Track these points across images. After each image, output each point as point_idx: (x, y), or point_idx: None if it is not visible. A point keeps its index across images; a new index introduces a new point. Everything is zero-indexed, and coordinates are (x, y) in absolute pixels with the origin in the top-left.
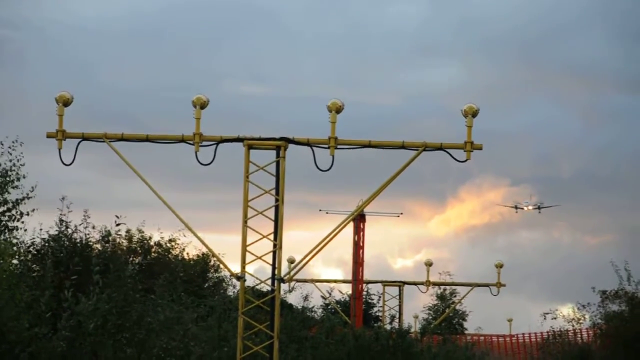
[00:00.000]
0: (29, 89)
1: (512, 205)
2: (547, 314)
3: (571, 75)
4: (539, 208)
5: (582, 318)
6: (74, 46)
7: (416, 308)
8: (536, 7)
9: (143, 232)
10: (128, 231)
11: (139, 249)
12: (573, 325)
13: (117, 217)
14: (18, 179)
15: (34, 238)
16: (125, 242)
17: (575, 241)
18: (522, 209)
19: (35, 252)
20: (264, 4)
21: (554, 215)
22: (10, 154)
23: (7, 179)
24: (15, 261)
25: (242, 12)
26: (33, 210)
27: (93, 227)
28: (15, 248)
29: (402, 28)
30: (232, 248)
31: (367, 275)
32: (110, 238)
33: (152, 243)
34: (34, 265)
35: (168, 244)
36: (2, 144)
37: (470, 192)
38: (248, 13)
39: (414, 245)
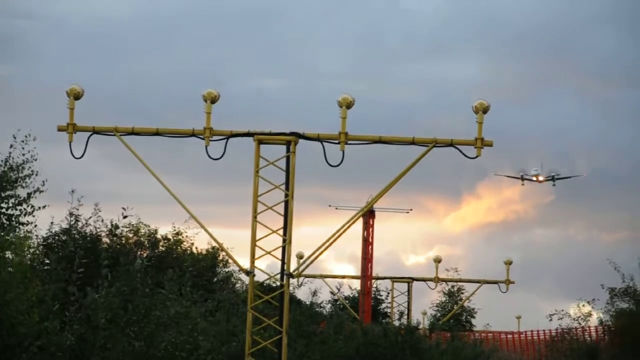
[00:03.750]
0: (44, 81)
1: (517, 176)
2: (553, 314)
3: (592, 72)
4: (553, 179)
5: (589, 314)
6: (90, 38)
7: (426, 305)
8: (559, 3)
9: (149, 225)
10: (134, 224)
11: (146, 242)
12: (580, 323)
13: (124, 209)
14: (31, 174)
15: (47, 232)
16: (132, 236)
17: (591, 239)
18: (531, 179)
19: (45, 245)
20: None
21: (571, 210)
22: (23, 148)
23: (19, 174)
24: (28, 255)
25: (257, 6)
26: (44, 207)
27: (102, 221)
28: (28, 242)
29: (421, 23)
30: (241, 243)
31: (380, 271)
32: (117, 231)
33: (159, 237)
34: (45, 259)
35: (176, 237)
36: (15, 138)
37: (488, 188)
38: (264, 6)
39: (427, 241)
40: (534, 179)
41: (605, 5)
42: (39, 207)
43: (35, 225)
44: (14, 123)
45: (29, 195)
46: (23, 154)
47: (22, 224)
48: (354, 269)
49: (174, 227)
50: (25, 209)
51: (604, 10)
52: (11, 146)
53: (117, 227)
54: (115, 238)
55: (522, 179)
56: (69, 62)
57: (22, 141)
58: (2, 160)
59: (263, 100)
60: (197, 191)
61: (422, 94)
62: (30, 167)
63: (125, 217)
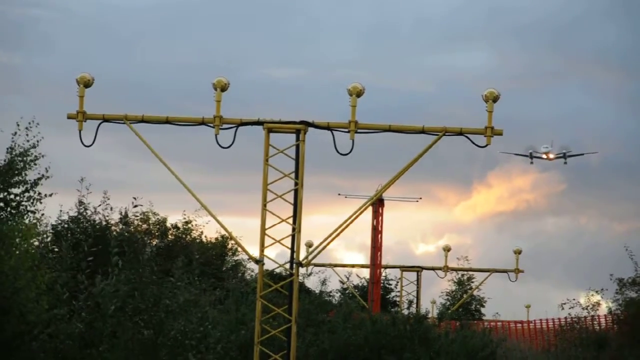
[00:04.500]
0: (54, 69)
1: (526, 154)
2: (565, 303)
3: (601, 63)
4: (564, 157)
5: (597, 304)
6: (101, 26)
7: (435, 294)
8: None
9: (158, 214)
10: (144, 213)
11: (155, 231)
12: (589, 312)
13: (135, 198)
14: (36, 159)
15: (57, 220)
16: (142, 225)
17: (602, 228)
18: (540, 157)
19: (54, 233)
20: None
21: (582, 200)
22: (27, 135)
23: (26, 159)
24: (35, 242)
25: None
26: (51, 195)
27: (111, 209)
28: (36, 229)
29: (432, 13)
30: (251, 231)
31: (389, 260)
32: (127, 220)
33: (169, 225)
34: (54, 247)
35: (185, 226)
36: (19, 125)
37: (499, 178)
38: None
39: (437, 230)
40: (544, 156)
41: None
42: (46, 195)
43: (43, 214)
44: (24, 111)
45: (35, 181)
46: (27, 140)
47: (31, 211)
48: (364, 258)
49: (184, 215)
50: (32, 196)
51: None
52: (15, 133)
53: (126, 216)
54: (124, 227)
55: (531, 156)
56: (80, 51)
57: (27, 128)
58: (8, 148)
59: (274, 89)
60: (207, 179)
61: (434, 83)
62: (34, 153)
63: (135, 206)
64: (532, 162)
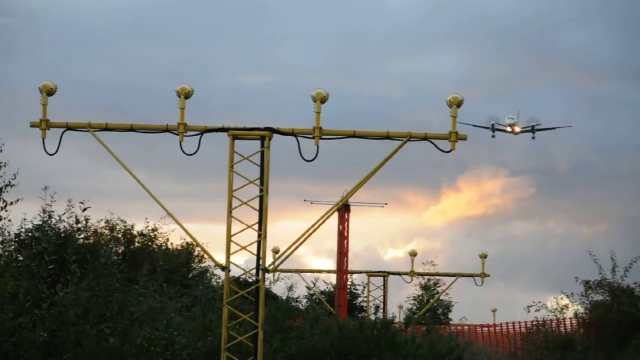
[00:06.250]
0: (19, 78)
1: (487, 126)
2: (531, 306)
3: (575, 67)
4: (532, 130)
5: (566, 307)
6: (66, 36)
7: (402, 299)
8: None
9: (125, 221)
10: (109, 220)
11: (121, 238)
12: (556, 315)
13: (82, 202)
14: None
15: (20, 228)
16: (107, 232)
17: (570, 232)
18: (504, 130)
19: (18, 242)
20: None
21: (551, 204)
22: None
23: None
24: None
25: (238, 2)
26: (17, 201)
27: (75, 218)
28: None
29: (404, 18)
30: (218, 238)
31: (358, 265)
32: (87, 226)
33: (134, 232)
34: (18, 256)
35: (151, 234)
36: None
37: (468, 182)
38: (244, 2)
39: (406, 235)
40: (508, 129)
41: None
42: (11, 202)
43: (10, 220)
44: None
45: (0, 189)
46: None
47: None
48: (332, 264)
49: (147, 222)
50: None
51: (589, 5)
52: None
53: (78, 221)
54: (80, 232)
55: (493, 129)
56: (45, 59)
57: None
58: None
59: (241, 95)
60: (172, 186)
61: (403, 89)
62: None
63: (84, 210)
64: (493, 136)
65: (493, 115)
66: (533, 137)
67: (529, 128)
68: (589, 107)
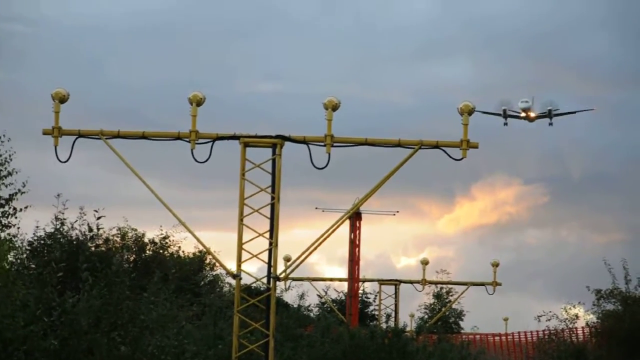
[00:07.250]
0: (30, 86)
1: (499, 112)
2: (541, 316)
3: (576, 72)
4: (549, 115)
5: (576, 317)
6: (81, 43)
7: (414, 307)
8: (542, 5)
9: (136, 229)
10: (121, 228)
11: (133, 246)
12: (567, 325)
13: (96, 211)
14: (10, 174)
15: (33, 236)
16: (119, 240)
17: (583, 240)
18: (517, 116)
19: (30, 250)
20: (275, 1)
21: (564, 212)
22: None
23: None
24: (11, 258)
25: (253, 9)
26: (26, 207)
27: (88, 225)
28: (10, 244)
29: (410, 25)
30: (230, 246)
31: (371, 274)
32: (99, 234)
33: (146, 240)
34: (30, 263)
35: (163, 242)
36: None
37: (482, 190)
38: (259, 10)
39: (419, 243)
40: (522, 114)
41: (591, 6)
42: (21, 209)
43: (19, 228)
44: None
45: (10, 196)
46: (0, 155)
47: (5, 226)
48: (344, 272)
49: (162, 230)
50: (7, 210)
51: (590, 11)
52: None
53: (91, 229)
54: (93, 239)
55: (505, 115)
56: (55, 66)
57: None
58: None
59: (253, 103)
60: (184, 194)
61: (413, 96)
62: (6, 168)
63: (98, 218)
64: (506, 123)
65: (504, 99)
66: (550, 124)
67: (546, 113)
68: (608, 114)
